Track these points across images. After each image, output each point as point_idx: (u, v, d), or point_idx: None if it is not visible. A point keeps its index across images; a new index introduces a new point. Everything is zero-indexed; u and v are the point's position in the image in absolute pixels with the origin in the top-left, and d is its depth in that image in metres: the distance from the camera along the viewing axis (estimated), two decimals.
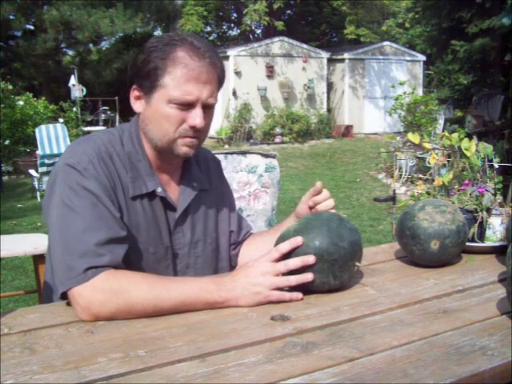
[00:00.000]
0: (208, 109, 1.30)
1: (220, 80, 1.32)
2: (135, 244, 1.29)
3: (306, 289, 1.18)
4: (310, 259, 1.15)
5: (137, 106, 1.33)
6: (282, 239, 1.22)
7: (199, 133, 1.30)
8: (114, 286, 1.11)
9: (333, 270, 1.17)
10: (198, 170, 1.46)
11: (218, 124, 14.24)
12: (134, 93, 1.32)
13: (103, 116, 15.76)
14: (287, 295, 1.15)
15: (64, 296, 1.15)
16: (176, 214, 1.36)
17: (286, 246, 1.17)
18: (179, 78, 1.24)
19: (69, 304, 1.16)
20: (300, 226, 1.22)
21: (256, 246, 1.50)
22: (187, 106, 1.26)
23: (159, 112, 1.27)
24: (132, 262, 1.24)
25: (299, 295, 1.16)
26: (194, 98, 1.25)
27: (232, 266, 1.54)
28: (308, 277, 1.16)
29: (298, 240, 1.17)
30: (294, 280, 1.16)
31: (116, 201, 1.26)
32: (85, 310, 1.09)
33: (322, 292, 1.20)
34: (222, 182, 1.55)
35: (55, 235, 1.20)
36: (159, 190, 1.33)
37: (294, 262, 1.16)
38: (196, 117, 1.26)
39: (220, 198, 1.50)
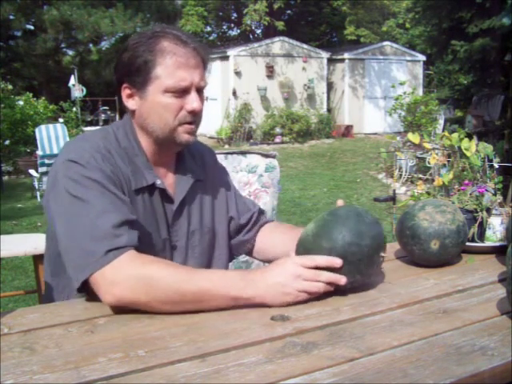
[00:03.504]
0: (200, 92, 1.33)
1: (205, 63, 1.35)
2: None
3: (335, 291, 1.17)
4: (337, 262, 1.14)
5: (130, 103, 1.34)
6: (301, 244, 1.22)
7: (196, 117, 1.33)
8: (138, 269, 1.11)
9: (359, 268, 1.17)
10: (192, 161, 1.47)
11: (218, 124, 14.24)
12: (126, 91, 1.33)
13: (103, 116, 15.77)
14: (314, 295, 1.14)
15: (81, 289, 1.15)
16: (173, 206, 1.37)
17: (323, 262, 1.14)
18: (170, 66, 1.27)
19: (88, 300, 1.17)
20: (318, 230, 1.20)
21: (280, 242, 1.48)
22: (182, 92, 1.29)
23: (157, 103, 1.29)
24: None
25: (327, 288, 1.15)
26: (188, 84, 1.28)
27: (232, 254, 1.55)
28: (341, 280, 1.14)
29: (337, 262, 1.14)
30: (324, 278, 1.14)
31: (121, 191, 1.27)
32: (108, 291, 1.10)
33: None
34: (218, 170, 1.56)
35: (66, 228, 1.19)
36: (158, 182, 1.34)
37: (321, 260, 1.14)
38: (193, 101, 1.29)
39: (216, 187, 1.50)
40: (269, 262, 1.51)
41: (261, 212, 1.58)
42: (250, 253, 1.57)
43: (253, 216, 1.55)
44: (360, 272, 1.17)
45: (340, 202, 1.38)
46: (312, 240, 1.19)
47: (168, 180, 1.39)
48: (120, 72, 1.33)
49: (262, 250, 1.55)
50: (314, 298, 1.16)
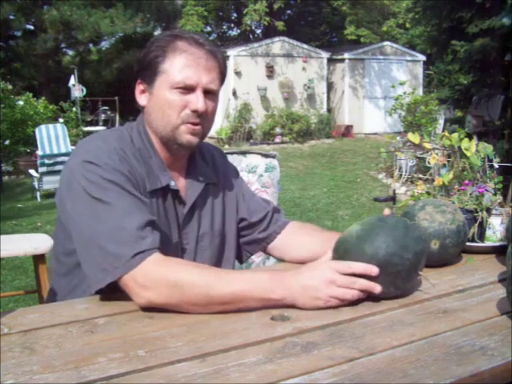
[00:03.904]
0: (210, 95, 1.32)
1: (222, 71, 1.34)
2: None
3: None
4: (374, 270, 1.10)
5: (142, 99, 1.35)
6: (341, 243, 1.18)
7: (202, 119, 1.31)
8: (167, 273, 1.12)
9: (395, 281, 1.14)
10: (204, 164, 1.47)
11: (218, 124, 14.23)
12: (139, 87, 1.35)
13: (103, 116, 15.76)
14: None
15: (98, 291, 1.17)
16: (184, 210, 1.37)
17: (359, 269, 1.11)
18: (179, 63, 1.28)
19: (102, 299, 1.18)
20: (364, 233, 1.16)
21: (309, 244, 1.45)
22: (188, 90, 1.29)
23: (161, 99, 1.30)
24: None
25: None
26: (193, 82, 1.28)
27: (243, 253, 1.55)
28: (376, 288, 1.11)
29: (373, 271, 1.10)
30: (358, 286, 1.11)
31: (139, 192, 1.27)
32: (139, 295, 1.11)
33: None
34: (229, 171, 1.55)
35: (87, 230, 1.19)
36: (172, 183, 1.34)
37: (358, 267, 1.11)
38: (197, 101, 1.28)
39: (227, 189, 1.50)
40: (285, 260, 1.51)
41: (276, 210, 1.56)
42: (263, 250, 1.56)
43: (267, 215, 1.53)
44: (395, 285, 1.14)
45: (387, 212, 1.37)
46: (355, 242, 1.16)
47: (180, 183, 1.39)
48: (136, 69, 1.35)
49: (282, 248, 1.51)
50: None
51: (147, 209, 1.23)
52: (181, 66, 1.28)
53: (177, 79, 1.27)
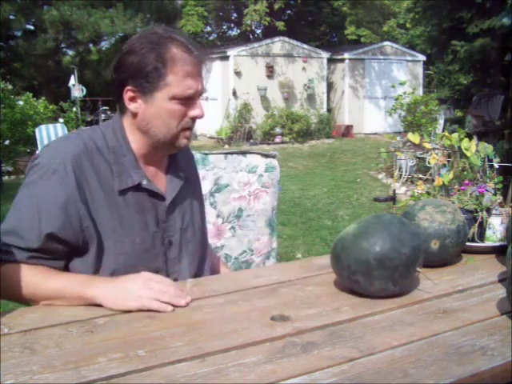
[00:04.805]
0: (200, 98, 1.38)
1: (203, 69, 1.39)
2: (120, 237, 1.31)
3: (363, 293, 1.17)
4: (181, 303, 1.15)
5: (133, 106, 1.33)
6: (339, 241, 1.21)
7: (194, 124, 1.38)
8: (5, 273, 1.20)
9: (393, 276, 1.14)
10: (184, 161, 1.51)
11: (218, 124, 14.23)
12: (128, 94, 1.32)
13: (103, 116, 15.73)
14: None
15: None
16: (166, 202, 1.39)
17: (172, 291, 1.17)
18: (180, 74, 1.30)
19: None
20: (359, 230, 1.18)
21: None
22: (187, 99, 1.32)
23: (162, 109, 1.31)
24: (120, 254, 1.29)
25: (168, 308, 1.14)
26: (193, 92, 1.32)
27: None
28: (168, 309, 1.13)
29: (181, 303, 1.15)
30: (156, 307, 1.13)
31: (84, 202, 1.27)
32: None
33: (323, 292, 1.20)
34: (198, 176, 1.62)
35: None
36: (144, 182, 1.36)
37: (178, 301, 1.16)
38: (198, 108, 1.34)
39: (197, 190, 1.57)
40: None
41: None
42: None
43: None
44: (393, 280, 1.15)
45: None
46: (352, 239, 1.17)
47: (160, 178, 1.41)
48: (124, 74, 1.32)
49: None
50: (313, 298, 1.16)
51: (33, 234, 1.24)
52: (181, 77, 1.30)
53: (178, 91, 1.30)
